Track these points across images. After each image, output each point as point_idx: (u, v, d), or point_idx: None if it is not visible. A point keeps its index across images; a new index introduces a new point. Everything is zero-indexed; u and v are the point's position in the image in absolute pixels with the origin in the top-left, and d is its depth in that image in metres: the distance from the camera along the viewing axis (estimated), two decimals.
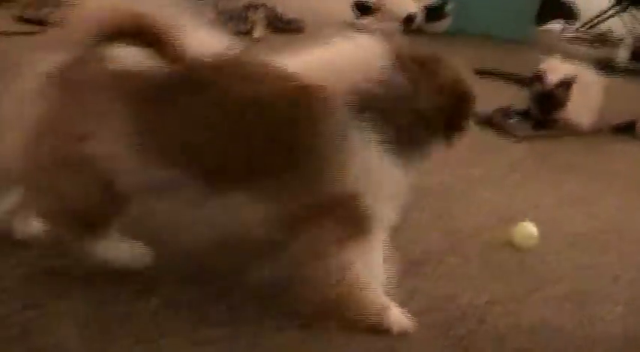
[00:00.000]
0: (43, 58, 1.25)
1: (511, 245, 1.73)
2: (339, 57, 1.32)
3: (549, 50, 3.20)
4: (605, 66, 3.32)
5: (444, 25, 4.02)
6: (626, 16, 4.33)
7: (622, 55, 4.02)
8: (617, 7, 4.36)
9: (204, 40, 1.26)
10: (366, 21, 3.85)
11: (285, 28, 3.48)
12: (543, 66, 2.62)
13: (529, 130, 2.57)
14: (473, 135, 1.45)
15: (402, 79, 1.29)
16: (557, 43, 4.05)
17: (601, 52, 3.99)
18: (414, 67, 1.31)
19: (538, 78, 2.60)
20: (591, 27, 4.37)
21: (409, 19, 3.91)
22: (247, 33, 3.25)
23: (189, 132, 1.23)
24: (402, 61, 1.31)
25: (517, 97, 2.76)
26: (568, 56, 2.76)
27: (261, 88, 1.24)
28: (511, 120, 2.60)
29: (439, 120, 1.34)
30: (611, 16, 4.38)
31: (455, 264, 1.64)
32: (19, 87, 1.25)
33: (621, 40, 4.23)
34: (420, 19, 3.96)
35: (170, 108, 1.22)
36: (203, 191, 1.29)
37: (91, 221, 1.32)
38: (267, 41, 3.24)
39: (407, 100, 1.30)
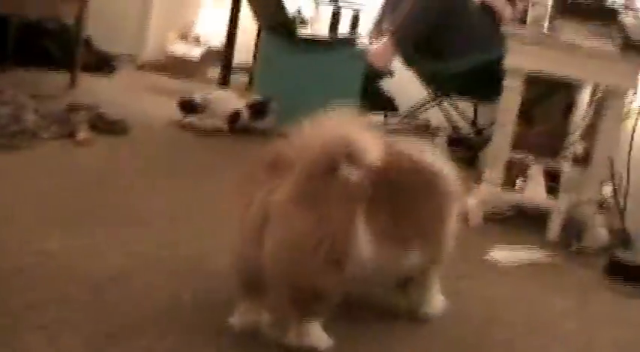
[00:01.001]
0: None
1: None
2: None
3: None
4: None
5: (268, 122, 4.07)
6: (441, 107, 4.55)
7: (440, 142, 4.20)
8: (433, 100, 4.57)
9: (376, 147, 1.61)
10: (191, 120, 3.85)
11: (109, 129, 3.42)
12: None
13: None
14: None
15: None
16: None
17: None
18: None
19: None
20: (412, 117, 4.55)
21: (235, 117, 3.93)
22: (71, 135, 3.17)
23: (386, 210, 1.65)
24: None
25: None
26: None
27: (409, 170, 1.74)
28: None
29: None
30: (429, 107, 4.58)
31: None
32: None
33: (439, 129, 4.43)
34: (245, 116, 3.99)
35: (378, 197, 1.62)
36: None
37: (331, 306, 1.62)
38: (91, 143, 3.17)
39: None
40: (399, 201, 1.70)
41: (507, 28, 3.06)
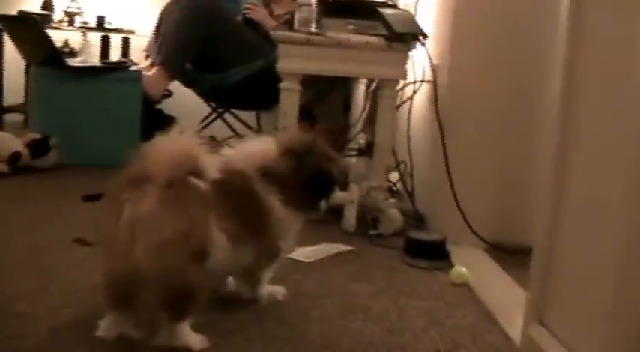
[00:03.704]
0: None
1: None
2: (248, 150, 2.07)
3: None
4: None
5: (51, 158, 3.96)
6: (224, 120, 4.59)
7: None
8: (214, 114, 4.61)
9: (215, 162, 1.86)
10: None
11: None
12: None
13: None
14: None
15: (285, 163, 2.03)
16: None
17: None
18: (293, 155, 2.05)
19: None
20: (200, 131, 4.56)
21: (14, 158, 3.79)
22: None
23: (226, 212, 1.85)
24: (285, 151, 2.05)
25: None
26: None
27: (234, 179, 1.93)
28: None
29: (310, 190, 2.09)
30: (212, 120, 4.61)
31: None
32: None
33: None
34: (25, 156, 3.85)
35: (220, 202, 1.83)
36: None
37: (201, 304, 1.76)
38: None
39: (289, 176, 2.02)
40: (234, 206, 1.89)
41: (276, 33, 3.13)
